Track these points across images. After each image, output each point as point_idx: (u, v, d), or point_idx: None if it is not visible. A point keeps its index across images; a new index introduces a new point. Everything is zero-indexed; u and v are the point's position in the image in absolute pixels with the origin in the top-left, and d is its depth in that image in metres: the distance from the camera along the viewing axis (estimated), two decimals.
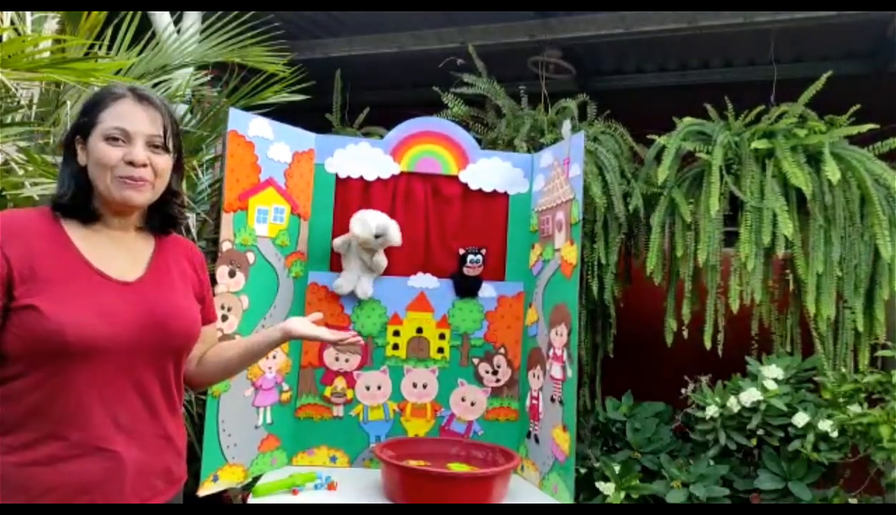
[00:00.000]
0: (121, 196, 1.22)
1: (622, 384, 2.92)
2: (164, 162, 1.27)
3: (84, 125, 1.24)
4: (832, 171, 2.47)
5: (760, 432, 2.44)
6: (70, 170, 1.26)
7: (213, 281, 2.04)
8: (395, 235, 2.22)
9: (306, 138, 2.31)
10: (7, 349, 1.15)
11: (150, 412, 1.27)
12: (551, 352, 2.17)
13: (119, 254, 1.27)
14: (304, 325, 1.49)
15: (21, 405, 1.16)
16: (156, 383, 1.27)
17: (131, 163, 1.21)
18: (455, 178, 2.39)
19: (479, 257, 2.36)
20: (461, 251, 2.36)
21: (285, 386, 2.24)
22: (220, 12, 2.75)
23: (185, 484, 1.40)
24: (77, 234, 1.24)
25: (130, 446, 1.22)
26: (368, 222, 2.20)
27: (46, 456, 1.15)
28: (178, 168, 1.33)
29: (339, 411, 2.31)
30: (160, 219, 1.35)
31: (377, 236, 2.20)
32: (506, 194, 2.41)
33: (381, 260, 2.28)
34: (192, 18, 2.95)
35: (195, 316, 1.36)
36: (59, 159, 1.34)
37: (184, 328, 1.30)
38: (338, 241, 2.30)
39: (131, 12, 2.51)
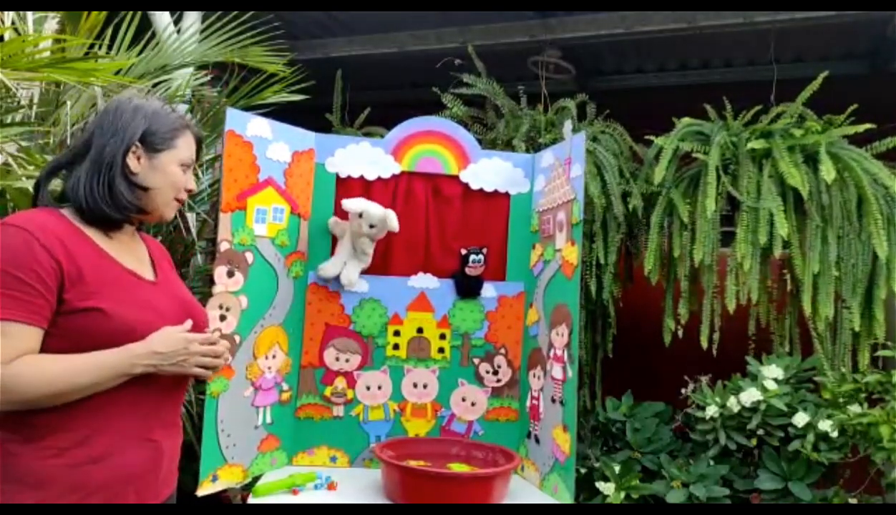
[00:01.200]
0: (170, 214, 1.36)
1: (622, 384, 2.92)
2: None
3: (154, 140, 1.30)
4: (827, 171, 2.47)
5: (760, 432, 2.44)
6: (125, 177, 1.28)
7: (212, 282, 2.04)
8: (393, 223, 2.20)
9: (306, 137, 2.30)
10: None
11: (174, 401, 1.34)
12: (552, 353, 2.17)
13: (130, 256, 1.32)
14: None
15: (71, 406, 1.15)
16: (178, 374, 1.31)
17: (189, 191, 1.38)
18: (456, 178, 2.38)
19: (481, 257, 2.36)
20: (463, 251, 2.36)
21: (285, 386, 2.24)
22: (220, 12, 2.75)
23: (184, 484, 1.43)
24: (99, 238, 1.27)
25: (164, 434, 1.28)
26: (370, 211, 2.18)
27: (99, 453, 1.17)
28: None
29: (339, 411, 2.31)
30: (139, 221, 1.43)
31: (371, 226, 2.19)
32: (507, 194, 2.41)
33: (368, 248, 2.27)
34: (192, 18, 2.95)
35: (204, 308, 1.44)
36: None
37: (204, 319, 1.38)
38: (333, 221, 2.30)
39: (131, 12, 2.51)
